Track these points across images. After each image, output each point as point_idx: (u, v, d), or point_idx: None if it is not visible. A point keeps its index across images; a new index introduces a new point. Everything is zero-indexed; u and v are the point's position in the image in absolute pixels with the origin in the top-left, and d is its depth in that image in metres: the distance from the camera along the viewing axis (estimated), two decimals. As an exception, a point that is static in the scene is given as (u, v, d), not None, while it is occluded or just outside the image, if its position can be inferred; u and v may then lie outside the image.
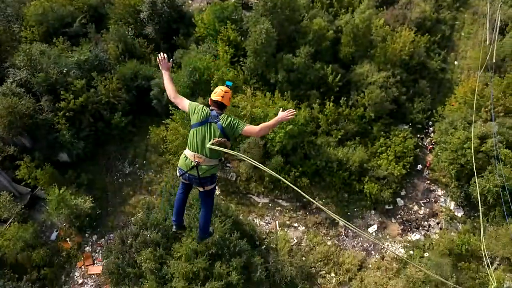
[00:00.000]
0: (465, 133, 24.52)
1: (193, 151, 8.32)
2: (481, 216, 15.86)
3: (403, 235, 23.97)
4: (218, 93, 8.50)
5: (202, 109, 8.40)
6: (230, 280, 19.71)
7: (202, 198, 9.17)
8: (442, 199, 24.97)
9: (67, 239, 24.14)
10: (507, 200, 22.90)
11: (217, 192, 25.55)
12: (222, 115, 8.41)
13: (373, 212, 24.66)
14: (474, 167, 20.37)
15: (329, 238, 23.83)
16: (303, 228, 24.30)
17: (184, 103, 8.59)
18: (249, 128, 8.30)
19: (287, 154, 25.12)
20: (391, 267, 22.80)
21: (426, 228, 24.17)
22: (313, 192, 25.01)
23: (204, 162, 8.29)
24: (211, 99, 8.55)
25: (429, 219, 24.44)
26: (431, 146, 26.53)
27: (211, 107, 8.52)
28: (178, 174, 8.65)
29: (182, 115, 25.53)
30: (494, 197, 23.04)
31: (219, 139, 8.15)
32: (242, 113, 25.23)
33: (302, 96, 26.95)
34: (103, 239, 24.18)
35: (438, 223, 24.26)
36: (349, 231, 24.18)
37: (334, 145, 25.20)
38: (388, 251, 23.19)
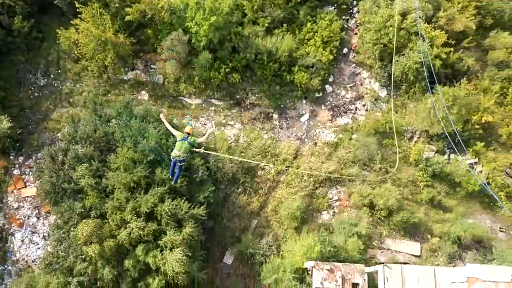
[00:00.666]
0: (388, 11, 24.72)
1: (178, 151, 17.69)
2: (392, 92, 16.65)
3: (333, 120, 25.07)
4: (187, 129, 17.69)
5: (182, 135, 17.61)
6: (173, 184, 20.01)
7: (178, 167, 18.46)
8: (367, 81, 25.93)
9: (-10, 164, 22.63)
10: (426, 76, 24.38)
11: (145, 97, 24.60)
12: (189, 137, 17.66)
13: (304, 101, 25.19)
14: (394, 46, 20.90)
15: (265, 132, 24.38)
16: (239, 125, 24.50)
17: (176, 132, 17.76)
18: (199, 139, 17.87)
19: (214, 49, 24.06)
20: (323, 151, 24.21)
21: (353, 112, 25.38)
22: (246, 88, 24.81)
23: (181, 155, 17.78)
24: (185, 131, 17.58)
25: (356, 102, 25.55)
26: (356, 28, 26.61)
27: (184, 133, 17.61)
28: (171, 158, 18.07)
29: (91, 12, 23.01)
30: (414, 74, 24.29)
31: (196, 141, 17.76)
32: (159, 5, 23.23)
33: (224, -20, 25.06)
34: (30, 160, 22.96)
35: (364, 105, 25.49)
36: (283, 122, 24.83)
37: (262, 35, 24.42)
38: (320, 137, 24.44)
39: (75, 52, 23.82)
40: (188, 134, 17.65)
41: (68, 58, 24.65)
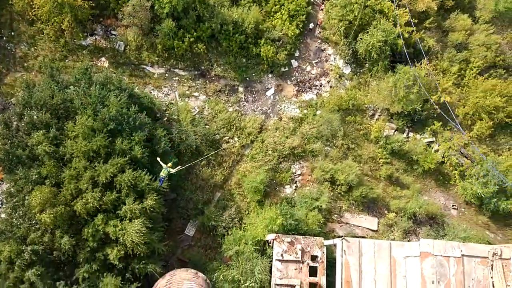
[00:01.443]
0: (353, -13, 24.78)
1: (162, 173, 20.16)
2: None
3: (298, 95, 25.09)
4: (169, 164, 20.50)
5: (165, 166, 20.34)
6: (134, 154, 19.42)
7: (161, 180, 20.23)
8: (332, 58, 26.03)
9: None
10: (388, 54, 24.76)
11: (105, 65, 23.66)
12: (168, 168, 20.43)
13: (270, 75, 25.03)
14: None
15: (230, 104, 24.07)
16: (204, 97, 24.06)
17: (163, 165, 20.36)
18: (172, 170, 20.56)
19: (178, 17, 23.39)
20: (288, 126, 24.23)
21: (318, 88, 25.47)
22: (211, 59, 24.27)
23: (163, 175, 20.17)
24: (168, 165, 20.46)
25: (321, 78, 25.64)
26: (322, 4, 26.53)
27: (167, 166, 20.46)
28: (159, 176, 20.32)
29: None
30: (378, 53, 24.58)
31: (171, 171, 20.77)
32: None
33: None
34: (-19, 126, 21.60)
35: (328, 82, 25.62)
36: (249, 96, 24.59)
37: (228, 5, 23.95)
38: (285, 112, 24.42)
39: (30, 14, 22.60)
40: (169, 167, 20.75)
41: (23, 20, 23.30)
